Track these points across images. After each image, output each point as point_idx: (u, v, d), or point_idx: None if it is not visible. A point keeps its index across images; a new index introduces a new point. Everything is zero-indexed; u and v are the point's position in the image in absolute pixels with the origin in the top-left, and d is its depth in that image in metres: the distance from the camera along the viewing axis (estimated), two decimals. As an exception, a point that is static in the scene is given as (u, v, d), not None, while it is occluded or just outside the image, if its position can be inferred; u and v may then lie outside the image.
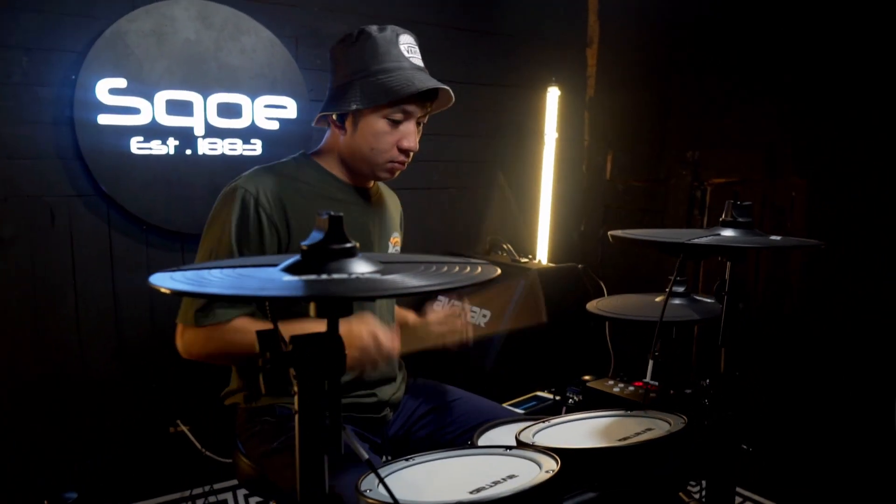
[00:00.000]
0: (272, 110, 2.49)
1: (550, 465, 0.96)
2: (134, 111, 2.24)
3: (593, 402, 1.83)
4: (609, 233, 1.17)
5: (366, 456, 0.78)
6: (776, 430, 2.53)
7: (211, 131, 2.38)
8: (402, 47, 1.54)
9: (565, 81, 3.11)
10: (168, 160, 2.32)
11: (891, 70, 2.27)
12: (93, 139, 2.20)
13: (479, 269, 0.75)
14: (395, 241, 1.77)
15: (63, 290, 2.25)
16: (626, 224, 3.19)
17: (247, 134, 2.45)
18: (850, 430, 2.38)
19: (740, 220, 1.12)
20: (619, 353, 2.55)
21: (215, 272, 0.70)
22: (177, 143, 2.33)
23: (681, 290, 1.49)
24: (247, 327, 1.47)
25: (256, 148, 2.47)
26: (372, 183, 1.72)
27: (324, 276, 0.66)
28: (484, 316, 2.47)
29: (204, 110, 2.36)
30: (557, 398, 2.19)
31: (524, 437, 1.13)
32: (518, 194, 3.17)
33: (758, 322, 2.54)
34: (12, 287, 2.17)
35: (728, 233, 1.13)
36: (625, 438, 1.13)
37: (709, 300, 1.51)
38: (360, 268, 0.69)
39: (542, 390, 2.31)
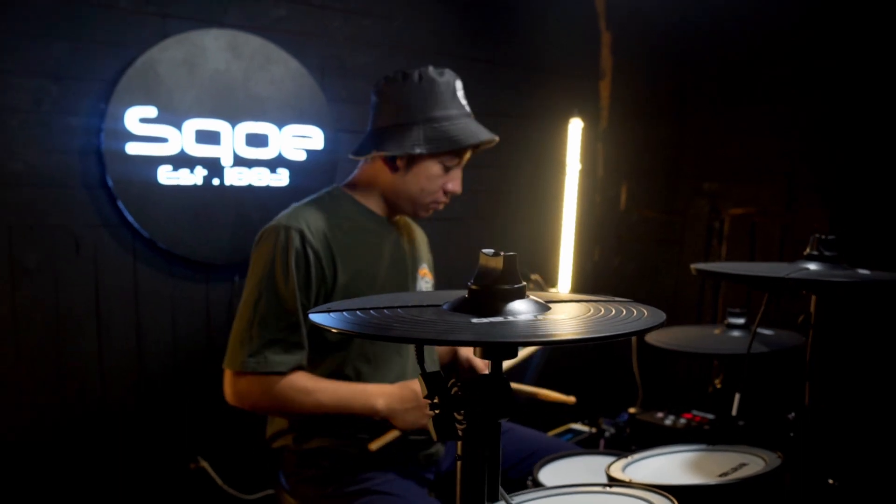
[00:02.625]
0: (299, 140, 2.47)
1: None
2: (163, 140, 2.22)
3: (643, 435, 1.81)
4: (692, 265, 1.17)
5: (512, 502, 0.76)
6: (865, 466, 2.50)
7: (238, 161, 2.36)
8: (459, 94, 1.59)
9: (582, 113, 3.15)
10: (195, 190, 2.29)
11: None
12: (121, 168, 2.17)
13: (646, 312, 0.74)
14: (423, 273, 1.77)
15: (86, 319, 2.20)
16: (640, 254, 3.22)
17: (274, 164, 2.43)
18: None
19: (826, 253, 1.13)
20: (647, 385, 2.54)
21: (384, 312, 0.68)
22: (205, 172, 2.30)
23: (740, 321, 1.49)
24: (307, 386, 1.47)
25: (283, 178, 2.45)
26: (398, 216, 1.73)
27: (503, 319, 0.64)
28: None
29: (232, 140, 2.34)
30: (594, 430, 2.17)
31: (619, 474, 1.11)
32: (540, 225, 3.18)
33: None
34: (35, 316, 2.11)
35: (814, 266, 1.14)
36: (724, 474, 1.12)
37: (768, 332, 1.52)
38: (531, 308, 0.68)
39: (575, 422, 2.29)
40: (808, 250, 1.16)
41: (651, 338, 1.51)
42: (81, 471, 2.21)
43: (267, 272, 1.51)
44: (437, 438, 0.67)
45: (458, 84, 1.61)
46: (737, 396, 1.25)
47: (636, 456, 1.21)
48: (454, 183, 1.61)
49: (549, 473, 1.41)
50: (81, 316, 2.19)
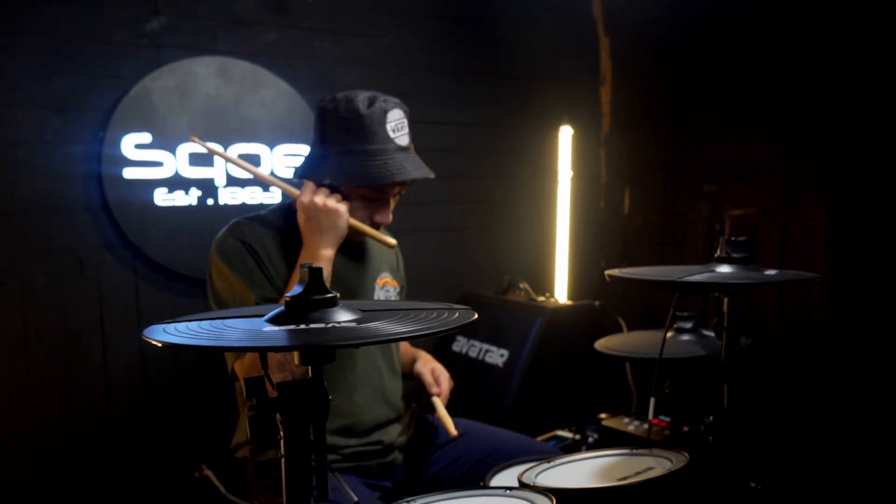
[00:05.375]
0: (291, 159, 2.56)
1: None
2: (158, 164, 2.34)
3: (609, 440, 1.81)
4: (606, 272, 1.19)
5: (355, 498, 0.80)
6: (792, 469, 2.45)
7: (232, 181, 2.47)
8: (389, 126, 1.54)
9: (579, 120, 3.15)
10: (191, 210, 2.40)
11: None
12: (119, 192, 2.29)
13: (457, 314, 0.78)
14: (384, 282, 1.79)
15: (91, 335, 2.33)
16: (646, 259, 3.19)
17: (267, 183, 2.52)
18: (869, 473, 2.30)
19: (735, 255, 1.13)
20: (642, 391, 2.53)
21: (204, 324, 0.74)
22: (199, 193, 2.41)
23: (688, 325, 1.49)
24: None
25: (276, 196, 2.55)
26: None
27: (302, 326, 0.69)
28: (501, 356, 2.47)
29: (225, 161, 2.44)
30: (577, 437, 2.18)
31: (526, 478, 1.13)
32: (535, 233, 3.19)
33: (776, 357, 2.49)
34: (44, 333, 2.25)
35: (724, 269, 1.14)
36: (625, 478, 1.13)
37: (711, 334, 1.50)
38: (341, 316, 0.72)
39: (563, 429, 2.29)
40: (717, 252, 1.16)
41: (600, 344, 1.52)
42: (88, 480, 2.33)
43: (220, 286, 1.58)
44: (252, 437, 0.72)
45: (393, 115, 1.55)
46: (651, 401, 1.25)
47: (557, 461, 1.23)
48: (381, 215, 1.60)
49: (500, 481, 1.43)
50: (87, 332, 2.32)
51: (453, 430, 1.62)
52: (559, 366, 2.33)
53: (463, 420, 1.86)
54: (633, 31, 3.21)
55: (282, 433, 0.71)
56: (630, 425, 1.79)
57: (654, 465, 1.18)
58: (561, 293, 2.93)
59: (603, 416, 1.94)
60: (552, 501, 0.97)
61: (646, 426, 1.77)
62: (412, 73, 2.87)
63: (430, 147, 2.90)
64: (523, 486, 1.08)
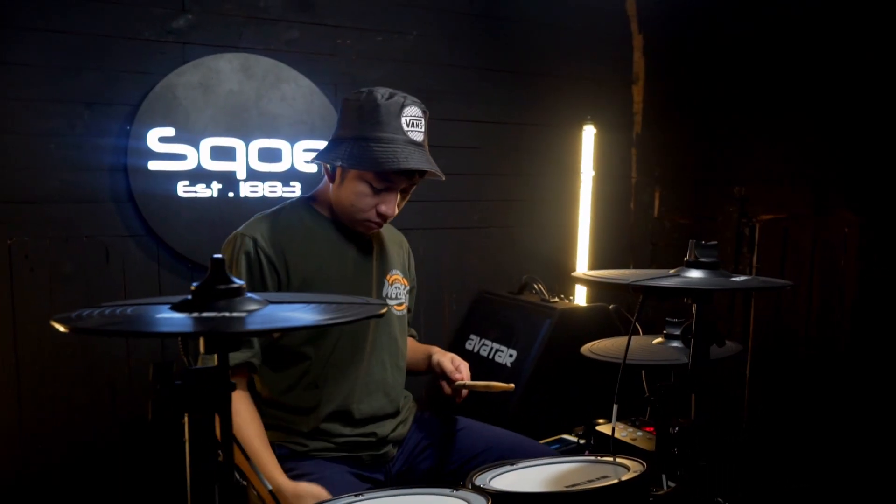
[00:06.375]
0: (311, 154, 2.60)
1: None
2: (181, 157, 2.41)
3: (600, 446, 1.78)
4: (572, 274, 1.16)
5: (269, 486, 0.81)
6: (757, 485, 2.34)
7: (252, 175, 2.52)
8: (404, 119, 1.58)
9: (605, 119, 3.09)
10: (212, 202, 2.47)
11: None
12: (143, 184, 2.38)
13: (366, 307, 0.77)
14: (394, 279, 1.81)
15: (115, 323, 2.42)
16: (673, 262, 3.10)
17: (286, 177, 2.58)
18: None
19: (703, 259, 1.09)
20: (645, 397, 2.46)
21: (129, 310, 0.76)
22: (220, 186, 2.48)
23: (677, 332, 1.44)
24: (239, 410, 1.53)
25: (296, 190, 2.59)
26: None
27: (195, 315, 0.70)
28: (510, 356, 2.45)
29: (246, 155, 2.50)
30: (582, 441, 2.14)
31: (479, 480, 1.12)
32: (557, 233, 3.15)
33: (802, 363, 2.39)
34: (69, 320, 2.36)
35: (693, 274, 1.10)
36: (574, 485, 1.10)
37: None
38: (248, 306, 0.73)
39: (569, 433, 2.25)
40: (686, 256, 1.12)
41: (588, 350, 1.49)
42: (109, 464, 2.42)
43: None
44: (150, 418, 0.73)
45: (410, 110, 1.60)
46: (615, 407, 1.22)
47: (520, 464, 1.21)
48: (386, 206, 1.62)
49: (483, 481, 1.42)
50: (111, 318, 2.42)
51: (508, 385, 1.67)
52: (567, 368, 2.28)
53: (463, 418, 1.86)
54: (668, 28, 3.12)
55: (186, 420, 0.73)
56: (623, 432, 1.75)
57: (609, 473, 1.15)
58: (581, 295, 2.88)
59: (601, 421, 1.90)
60: (487, 502, 0.96)
61: (640, 433, 1.72)
62: (435, 71, 2.87)
63: (453, 144, 2.92)
64: (470, 486, 1.07)
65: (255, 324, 0.67)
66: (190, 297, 0.76)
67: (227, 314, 0.72)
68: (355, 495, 1.11)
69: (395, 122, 1.57)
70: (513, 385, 1.58)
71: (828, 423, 2.42)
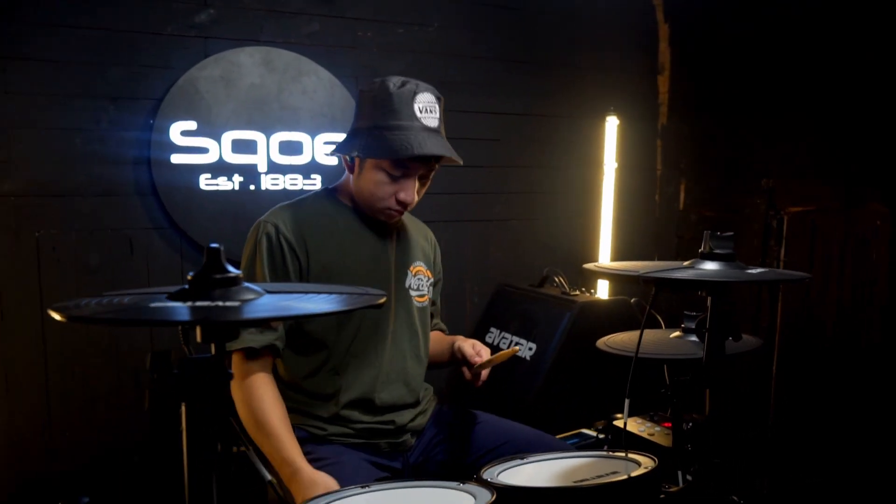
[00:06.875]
0: (332, 147, 2.61)
1: (484, 499, 0.95)
2: (203, 151, 2.44)
3: (617, 441, 1.75)
4: (584, 265, 1.14)
5: (269, 477, 0.81)
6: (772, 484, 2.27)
7: (273, 168, 2.54)
8: (417, 106, 1.59)
9: (628, 110, 3.04)
10: (233, 195, 2.49)
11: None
12: (166, 177, 2.41)
13: (364, 297, 0.77)
14: (416, 270, 1.81)
15: (139, 314, 2.46)
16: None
17: (307, 170, 2.59)
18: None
19: (719, 251, 1.06)
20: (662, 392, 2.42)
21: (126, 299, 0.77)
22: (241, 179, 2.50)
23: (693, 325, 1.41)
24: (263, 396, 1.56)
25: (317, 183, 2.60)
26: None
27: (189, 304, 0.70)
28: (530, 349, 2.43)
29: (267, 148, 2.52)
30: (601, 436, 2.11)
31: (487, 474, 1.11)
32: (580, 225, 3.12)
33: (830, 358, 2.33)
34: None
35: (707, 266, 1.07)
36: (582, 480, 1.09)
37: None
38: (244, 295, 0.73)
39: (589, 427, 2.23)
40: (701, 248, 1.09)
41: (603, 343, 1.47)
42: (131, 450, 2.46)
43: (247, 264, 1.65)
44: (147, 408, 0.73)
45: (423, 97, 1.60)
46: (626, 402, 1.19)
47: (530, 459, 1.20)
48: (405, 193, 1.63)
49: (492, 475, 1.41)
50: (136, 309, 2.46)
51: (512, 349, 1.73)
52: (587, 362, 2.26)
53: (482, 413, 1.85)
54: (695, 18, 3.05)
55: (183, 410, 0.73)
56: (641, 427, 1.73)
57: (620, 469, 1.13)
58: (603, 289, 2.84)
59: (619, 416, 1.87)
60: (492, 495, 0.95)
61: (658, 428, 1.69)
62: (456, 62, 2.86)
63: (474, 136, 2.90)
64: (478, 480, 1.06)
65: (250, 313, 0.67)
66: (186, 286, 0.76)
67: (220, 303, 0.72)
68: (362, 486, 1.11)
69: (408, 110, 1.58)
70: (517, 348, 1.56)
71: (855, 419, 2.35)
